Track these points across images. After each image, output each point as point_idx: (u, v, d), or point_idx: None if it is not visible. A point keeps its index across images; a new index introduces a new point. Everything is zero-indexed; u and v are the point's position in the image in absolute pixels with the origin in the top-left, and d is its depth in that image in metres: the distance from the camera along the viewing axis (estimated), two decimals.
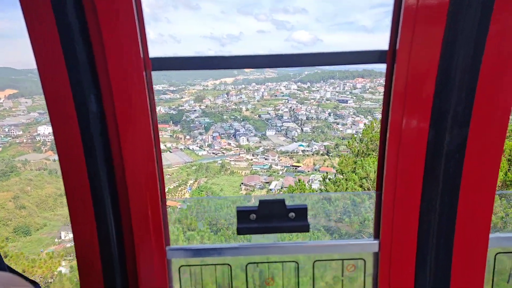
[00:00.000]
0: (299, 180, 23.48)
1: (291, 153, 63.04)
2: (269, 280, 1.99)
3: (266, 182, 54.94)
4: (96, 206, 1.68)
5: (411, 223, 1.74)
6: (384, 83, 1.67)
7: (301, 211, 1.78)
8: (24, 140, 63.15)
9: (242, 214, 1.78)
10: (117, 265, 1.78)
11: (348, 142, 24.61)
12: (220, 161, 62.64)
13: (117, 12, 1.44)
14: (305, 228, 1.78)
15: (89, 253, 1.75)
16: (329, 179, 22.38)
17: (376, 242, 1.81)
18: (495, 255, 1.95)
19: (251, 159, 62.84)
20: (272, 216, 1.78)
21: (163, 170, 1.77)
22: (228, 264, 1.91)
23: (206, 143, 67.16)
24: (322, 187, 23.75)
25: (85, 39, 1.50)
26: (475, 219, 1.71)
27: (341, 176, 21.22)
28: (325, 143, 64.02)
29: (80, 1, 1.45)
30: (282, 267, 1.94)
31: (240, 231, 1.77)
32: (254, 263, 1.92)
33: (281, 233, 1.83)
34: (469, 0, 1.45)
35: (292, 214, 1.78)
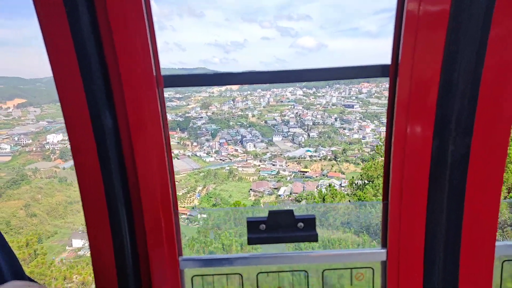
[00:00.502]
0: (329, 185, 24.28)
1: (299, 158, 62.91)
2: None
3: (275, 188, 54.82)
4: (112, 218, 1.75)
5: (418, 232, 1.77)
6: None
7: (310, 221, 1.83)
8: (34, 149, 63.96)
9: (252, 225, 1.83)
10: (131, 276, 1.84)
11: (377, 146, 26.96)
12: (228, 168, 62.68)
13: (131, 32, 1.52)
14: (313, 238, 1.82)
15: (105, 263, 1.81)
16: (356, 183, 23.01)
17: (384, 251, 1.85)
18: (502, 263, 1.97)
19: (259, 165, 62.81)
20: (281, 226, 1.83)
21: None
22: (240, 274, 1.96)
23: (213, 150, 67.34)
24: (349, 191, 24.30)
25: (101, 59, 1.58)
26: (481, 226, 1.74)
27: (367, 181, 21.90)
28: (332, 148, 63.79)
29: (97, 23, 1.53)
30: (292, 276, 1.98)
31: (250, 241, 1.82)
32: (265, 272, 1.96)
33: (290, 242, 1.88)
34: (470, 13, 1.49)
35: (300, 224, 1.82)
